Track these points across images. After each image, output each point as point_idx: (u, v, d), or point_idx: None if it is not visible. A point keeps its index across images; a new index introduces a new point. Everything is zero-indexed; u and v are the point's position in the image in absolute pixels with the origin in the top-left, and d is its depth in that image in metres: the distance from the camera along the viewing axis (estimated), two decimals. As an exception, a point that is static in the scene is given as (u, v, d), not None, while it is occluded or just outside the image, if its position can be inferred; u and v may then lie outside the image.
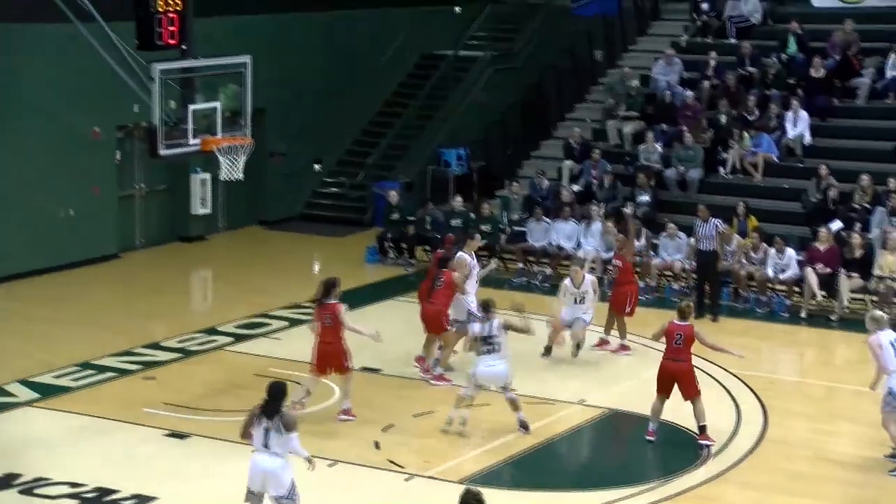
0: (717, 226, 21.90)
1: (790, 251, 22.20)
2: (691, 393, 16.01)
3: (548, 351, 19.37)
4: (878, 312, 16.27)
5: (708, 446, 15.94)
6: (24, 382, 18.16)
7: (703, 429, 16.03)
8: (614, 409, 17.34)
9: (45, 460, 15.39)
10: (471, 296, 18.56)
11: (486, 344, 16.09)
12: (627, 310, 19.93)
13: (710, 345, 16.56)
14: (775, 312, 21.84)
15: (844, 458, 16.02)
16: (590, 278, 19.52)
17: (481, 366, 16.12)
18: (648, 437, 16.13)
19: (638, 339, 20.43)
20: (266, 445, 12.66)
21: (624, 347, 19.90)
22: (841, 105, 26.45)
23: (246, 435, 12.83)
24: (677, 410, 17.20)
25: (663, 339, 16.21)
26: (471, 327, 16.70)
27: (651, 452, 16.49)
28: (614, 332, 20.01)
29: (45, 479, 14.84)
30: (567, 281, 19.37)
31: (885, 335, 15.55)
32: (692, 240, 22.56)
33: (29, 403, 17.46)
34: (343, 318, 16.51)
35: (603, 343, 20.01)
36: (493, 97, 30.16)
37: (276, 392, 12.79)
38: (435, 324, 18.34)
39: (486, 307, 16.36)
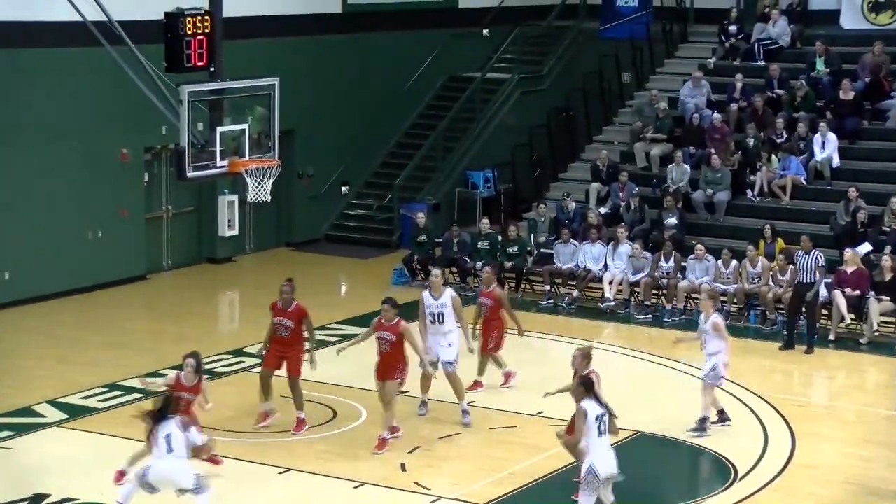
0: (818, 259, 21.32)
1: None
2: None
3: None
4: None
5: None
6: (53, 403, 18.25)
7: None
8: (641, 431, 17.29)
9: (73, 481, 15.45)
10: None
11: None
12: (490, 345, 18.67)
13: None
14: (802, 335, 21.74)
15: (880, 482, 15.88)
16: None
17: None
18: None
19: (665, 360, 20.44)
20: (170, 450, 13.57)
21: (477, 384, 18.67)
22: (870, 127, 26.39)
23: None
24: (707, 433, 17.20)
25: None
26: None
27: (678, 476, 16.47)
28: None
29: (73, 499, 14.89)
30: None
31: None
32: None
33: (57, 424, 17.55)
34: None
35: (477, 385, 18.74)
36: (521, 119, 30.20)
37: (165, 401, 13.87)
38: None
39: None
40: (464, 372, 17.92)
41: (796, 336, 21.36)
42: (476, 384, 18.82)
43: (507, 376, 19.08)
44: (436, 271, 18.05)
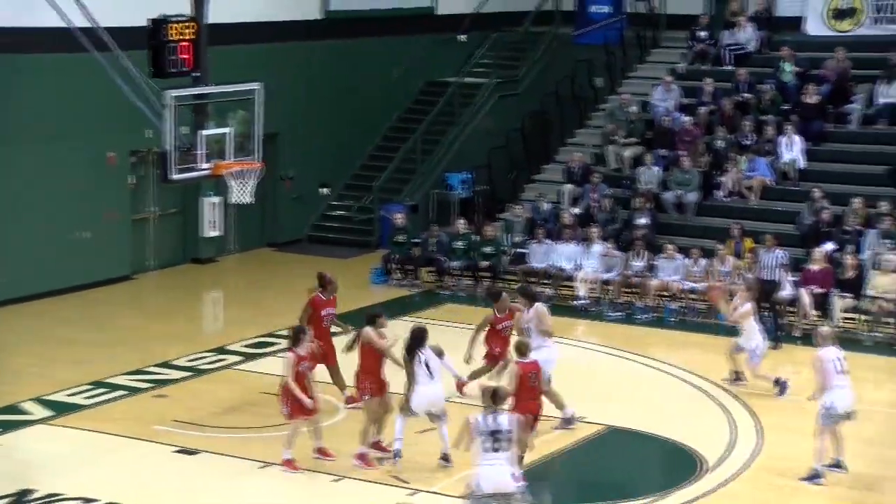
0: (780, 256, 21.49)
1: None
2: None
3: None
4: (826, 329, 16.32)
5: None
6: (39, 400, 18.16)
7: (521, 458, 14.77)
8: (612, 425, 17.31)
9: (59, 477, 15.39)
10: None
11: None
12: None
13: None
14: (770, 331, 21.77)
15: (845, 472, 15.84)
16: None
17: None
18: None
19: (636, 356, 20.51)
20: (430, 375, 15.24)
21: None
22: (834, 130, 26.48)
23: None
24: (672, 426, 17.25)
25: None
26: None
27: (648, 469, 16.50)
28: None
29: (59, 494, 14.83)
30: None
31: (829, 352, 15.67)
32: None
33: (43, 421, 17.47)
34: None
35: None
36: (497, 123, 30.20)
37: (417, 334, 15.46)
38: None
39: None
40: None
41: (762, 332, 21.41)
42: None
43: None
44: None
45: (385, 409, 15.99)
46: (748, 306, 18.96)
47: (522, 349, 15.32)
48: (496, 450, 12.74)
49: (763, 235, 22.31)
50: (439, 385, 15.62)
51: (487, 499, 12.76)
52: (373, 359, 15.88)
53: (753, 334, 18.85)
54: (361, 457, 15.76)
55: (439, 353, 15.70)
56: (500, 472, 12.76)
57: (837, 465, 15.81)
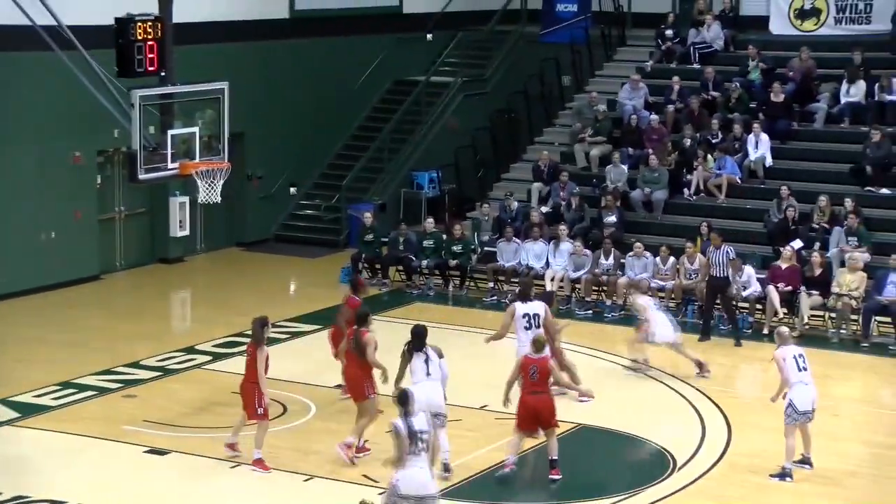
0: (728, 252, 21.60)
1: (749, 269, 22.18)
2: (553, 424, 15.42)
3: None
4: (784, 329, 16.45)
5: (556, 480, 15.45)
6: (4, 402, 17.98)
7: (554, 462, 15.46)
8: (583, 424, 17.28)
9: (26, 478, 15.26)
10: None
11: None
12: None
13: (557, 378, 16.16)
14: (739, 329, 21.82)
15: (814, 469, 15.90)
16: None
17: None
18: (507, 469, 15.48)
19: (606, 354, 20.50)
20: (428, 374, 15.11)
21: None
22: (800, 128, 26.55)
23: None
24: (643, 424, 17.24)
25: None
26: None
27: (619, 466, 16.49)
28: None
29: (25, 496, 14.69)
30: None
31: (789, 350, 15.79)
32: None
33: (9, 423, 17.29)
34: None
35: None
36: (464, 122, 30.15)
37: (419, 332, 15.32)
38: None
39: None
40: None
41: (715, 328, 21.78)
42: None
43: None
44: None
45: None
46: (643, 300, 19.96)
47: (538, 344, 15.50)
48: (418, 452, 12.74)
49: (710, 234, 22.36)
50: (439, 385, 15.40)
51: (402, 499, 12.77)
52: None
53: (658, 326, 19.30)
54: (348, 447, 15.74)
55: (440, 354, 15.58)
56: (421, 475, 12.73)
57: (804, 461, 15.87)
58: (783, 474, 15.63)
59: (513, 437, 15.60)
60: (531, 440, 15.86)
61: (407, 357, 15.46)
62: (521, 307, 16.79)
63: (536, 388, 15.35)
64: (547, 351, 15.82)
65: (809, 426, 15.82)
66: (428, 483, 12.77)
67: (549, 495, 15.38)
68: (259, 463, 15.51)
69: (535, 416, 15.35)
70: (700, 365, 19.49)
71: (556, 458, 15.47)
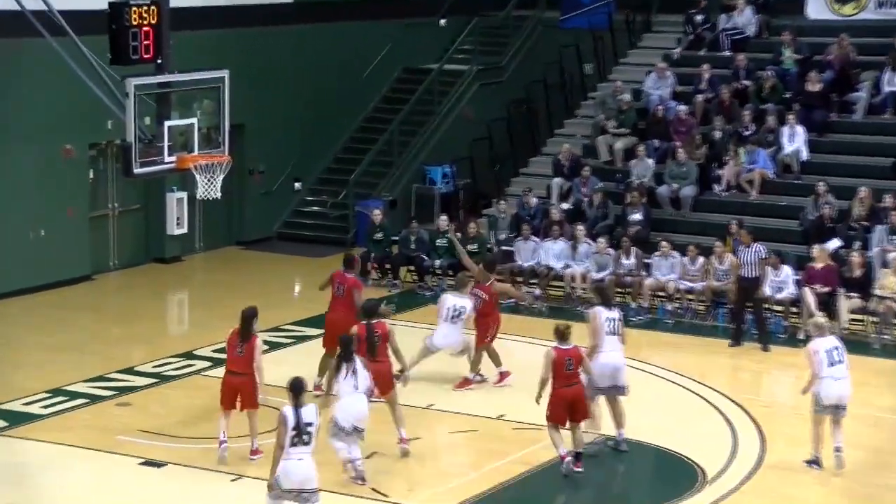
0: (759, 251, 21.62)
1: (786, 268, 22.20)
2: (585, 415, 16.03)
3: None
4: (821, 319, 16.78)
5: (579, 473, 15.89)
6: (-7, 410, 18.12)
7: (579, 455, 15.93)
8: (606, 434, 17.31)
9: (15, 491, 15.32)
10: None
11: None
12: (488, 338, 19.14)
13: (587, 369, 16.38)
14: (772, 333, 21.82)
15: (851, 482, 15.94)
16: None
17: None
18: (576, 469, 15.87)
19: (645, 364, 20.51)
20: (356, 387, 15.16)
21: (503, 375, 19.16)
22: (838, 120, 26.55)
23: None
24: (670, 434, 17.26)
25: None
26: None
27: (645, 480, 16.50)
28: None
29: (14, 509, 14.80)
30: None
31: (823, 342, 16.07)
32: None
33: (-2, 432, 17.42)
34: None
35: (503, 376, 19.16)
36: (480, 113, 30.19)
37: (347, 341, 15.53)
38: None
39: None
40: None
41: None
42: (465, 381, 19.04)
43: (503, 375, 19.11)
44: None
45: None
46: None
47: (564, 334, 15.77)
48: (301, 443, 13.17)
49: (739, 232, 22.39)
50: (364, 398, 15.47)
51: (285, 494, 13.16)
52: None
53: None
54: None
55: (365, 365, 15.66)
56: (304, 467, 13.20)
57: (819, 460, 16.20)
58: (813, 461, 16.14)
59: (551, 434, 15.92)
60: (549, 453, 15.89)
61: (334, 370, 15.55)
62: (604, 312, 16.87)
63: (572, 380, 15.76)
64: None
65: (841, 422, 16.03)
66: (311, 477, 13.25)
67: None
68: (257, 452, 16.04)
69: (569, 407, 15.76)
70: (466, 381, 19.17)
71: (581, 451, 15.89)
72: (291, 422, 13.12)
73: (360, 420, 15.36)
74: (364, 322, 16.64)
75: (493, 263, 20.62)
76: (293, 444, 13.13)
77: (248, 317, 16.19)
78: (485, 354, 19.14)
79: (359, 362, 15.47)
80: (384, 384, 16.35)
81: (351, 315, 17.88)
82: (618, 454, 16.74)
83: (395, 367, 16.92)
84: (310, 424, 13.14)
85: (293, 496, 13.24)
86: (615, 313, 16.93)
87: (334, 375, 15.53)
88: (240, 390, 16.10)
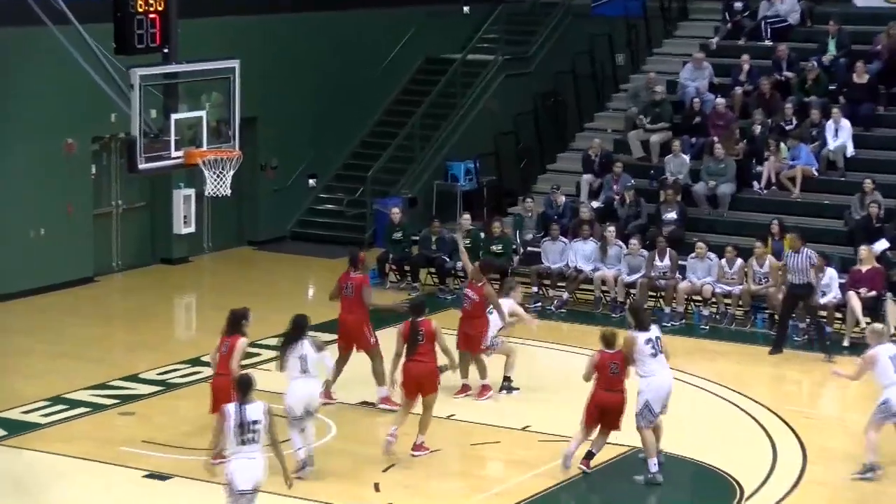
0: (811, 257, 21.45)
1: (831, 271, 22.11)
2: (616, 426, 16.35)
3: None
4: (879, 325, 16.98)
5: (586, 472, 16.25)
6: (-10, 418, 18.17)
7: (591, 455, 16.34)
8: (637, 446, 17.26)
9: (11, 501, 15.33)
10: None
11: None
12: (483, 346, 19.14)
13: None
14: (815, 340, 21.73)
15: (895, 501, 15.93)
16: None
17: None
18: (582, 466, 16.31)
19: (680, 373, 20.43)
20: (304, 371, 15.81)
21: (486, 388, 19.13)
22: (886, 113, 26.46)
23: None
24: (706, 447, 17.21)
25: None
26: None
27: (680, 495, 16.45)
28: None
29: (12, 523, 14.85)
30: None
31: (885, 349, 16.19)
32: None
33: (-5, 441, 17.47)
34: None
35: (465, 389, 19.14)
36: (505, 105, 30.18)
37: (298, 322, 16.11)
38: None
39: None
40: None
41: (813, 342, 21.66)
42: (484, 388, 19.07)
43: (484, 389, 19.09)
44: None
45: None
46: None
47: (609, 339, 16.26)
48: (246, 442, 13.36)
49: (790, 236, 22.22)
50: (315, 382, 16.16)
51: (241, 496, 13.35)
52: None
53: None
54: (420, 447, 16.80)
55: (319, 348, 16.25)
56: (253, 466, 13.38)
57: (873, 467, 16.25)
58: (867, 471, 16.14)
59: (595, 439, 16.33)
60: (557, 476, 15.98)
61: (282, 351, 16.19)
62: (641, 336, 16.67)
63: (615, 386, 16.05)
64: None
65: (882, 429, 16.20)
66: (259, 476, 13.44)
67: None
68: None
69: (602, 414, 16.11)
70: (485, 388, 19.19)
71: (595, 453, 16.26)
72: (234, 418, 13.31)
73: (311, 404, 15.98)
74: (410, 319, 16.82)
75: (490, 265, 20.92)
76: (242, 443, 13.33)
77: (236, 317, 16.59)
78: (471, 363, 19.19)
79: (308, 345, 16.02)
80: (428, 384, 16.58)
81: (363, 313, 18.30)
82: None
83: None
84: (256, 422, 13.33)
85: (246, 498, 13.41)
86: (654, 332, 16.59)
87: (282, 359, 16.20)
88: (224, 392, 15.98)
